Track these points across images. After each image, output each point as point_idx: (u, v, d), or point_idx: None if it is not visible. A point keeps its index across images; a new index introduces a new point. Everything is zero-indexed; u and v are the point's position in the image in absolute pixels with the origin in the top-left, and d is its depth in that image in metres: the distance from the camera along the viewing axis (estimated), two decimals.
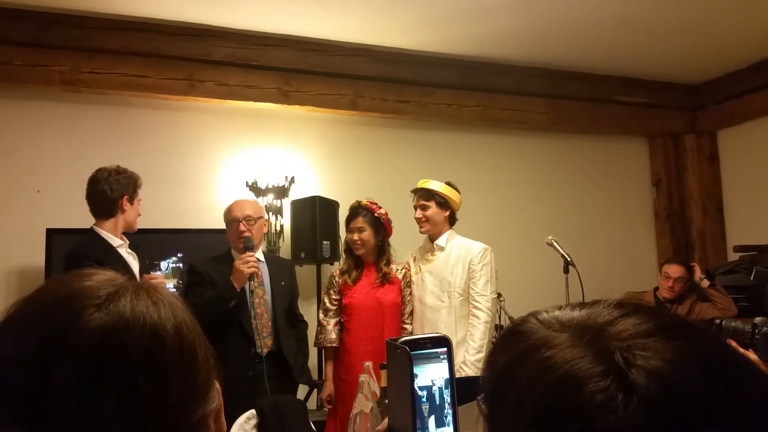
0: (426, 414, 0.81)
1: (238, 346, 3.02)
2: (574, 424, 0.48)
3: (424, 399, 0.82)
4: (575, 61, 5.26)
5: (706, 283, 4.46)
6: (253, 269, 3.03)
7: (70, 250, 2.93)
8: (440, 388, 0.82)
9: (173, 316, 0.63)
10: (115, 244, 2.98)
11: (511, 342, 0.60)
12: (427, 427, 0.81)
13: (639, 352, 0.50)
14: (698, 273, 4.50)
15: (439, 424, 0.82)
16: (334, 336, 3.37)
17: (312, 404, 3.95)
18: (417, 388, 0.82)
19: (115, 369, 0.57)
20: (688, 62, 5.36)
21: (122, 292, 0.63)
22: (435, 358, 0.83)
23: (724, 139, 6.00)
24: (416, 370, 0.81)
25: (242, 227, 3.11)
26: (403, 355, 0.82)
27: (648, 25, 4.57)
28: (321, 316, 3.45)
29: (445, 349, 0.85)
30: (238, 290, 3.02)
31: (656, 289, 4.56)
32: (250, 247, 3.08)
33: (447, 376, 0.83)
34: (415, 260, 3.54)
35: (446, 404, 0.83)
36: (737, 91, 5.63)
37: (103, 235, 2.97)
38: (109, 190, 3.00)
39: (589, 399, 0.49)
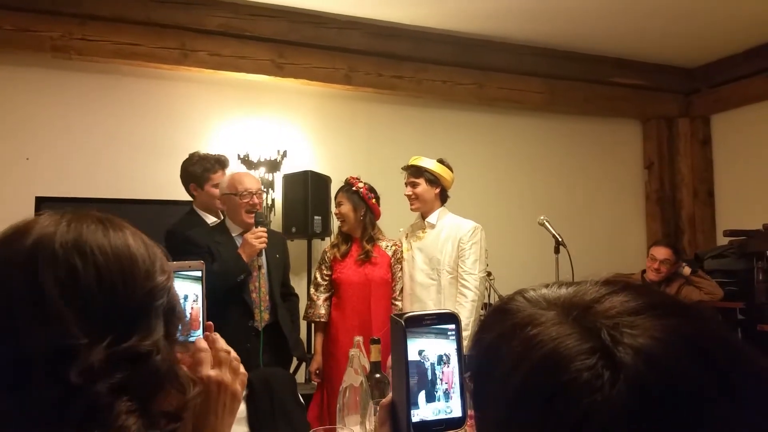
0: (418, 389, 0.81)
1: (238, 319, 3.00)
2: (560, 401, 0.48)
3: (420, 374, 0.81)
4: (572, 41, 5.23)
5: (687, 270, 4.48)
6: (264, 245, 3.01)
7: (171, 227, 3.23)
8: (432, 364, 0.82)
9: (92, 232, 0.79)
10: (209, 221, 3.29)
11: (498, 320, 0.59)
12: (417, 402, 0.80)
13: (626, 330, 0.50)
14: (686, 271, 4.51)
15: (429, 399, 0.81)
16: (323, 311, 3.39)
17: (300, 377, 3.97)
18: (421, 363, 0.82)
19: (47, 262, 0.75)
20: (685, 45, 5.35)
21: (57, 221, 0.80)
22: (442, 334, 0.82)
23: (718, 123, 6.01)
24: (420, 345, 0.81)
25: (256, 200, 3.07)
26: (399, 329, 0.81)
27: (647, 7, 4.53)
28: (312, 290, 3.46)
29: (453, 325, 0.84)
30: (248, 263, 2.99)
31: (644, 271, 4.59)
32: (262, 222, 3.07)
33: (442, 352, 0.83)
34: (407, 237, 3.54)
35: (438, 380, 0.82)
36: (732, 75, 5.63)
37: (200, 213, 3.31)
38: (184, 179, 3.40)
39: (575, 377, 0.48)
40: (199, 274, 1.12)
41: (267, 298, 3.11)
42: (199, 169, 3.34)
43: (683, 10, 4.58)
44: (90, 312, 0.74)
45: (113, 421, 0.72)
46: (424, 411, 0.81)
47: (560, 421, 0.48)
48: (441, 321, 0.82)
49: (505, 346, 0.55)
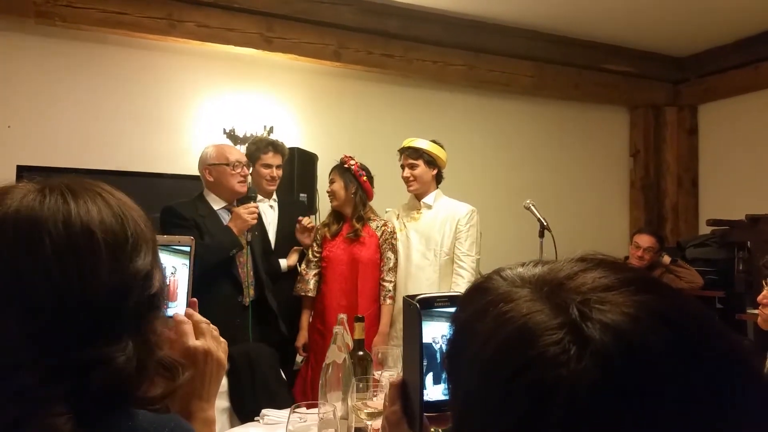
0: (426, 370, 0.81)
1: (227, 294, 2.97)
2: (526, 376, 0.48)
3: (429, 356, 0.81)
4: (564, 26, 5.21)
5: (667, 259, 4.57)
6: (255, 221, 2.99)
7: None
8: (441, 347, 0.81)
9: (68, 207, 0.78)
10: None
11: (474, 298, 0.59)
12: (424, 384, 0.81)
13: (597, 305, 0.49)
14: (666, 260, 4.59)
15: (436, 381, 0.81)
16: (311, 286, 3.40)
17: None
18: (430, 345, 0.81)
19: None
20: (676, 34, 5.35)
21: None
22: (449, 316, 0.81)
23: (705, 113, 6.04)
24: (430, 326, 0.80)
25: (245, 171, 3.06)
26: (414, 312, 0.80)
27: None
28: (302, 266, 3.47)
29: None
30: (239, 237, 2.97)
31: (626, 258, 4.63)
32: (253, 197, 3.05)
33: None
34: (398, 218, 3.55)
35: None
36: (721, 66, 5.65)
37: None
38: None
39: (542, 352, 0.48)
40: (187, 249, 1.11)
41: (252, 273, 3.09)
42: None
43: None
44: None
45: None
46: (432, 392, 0.80)
47: (525, 394, 0.47)
48: (453, 304, 0.80)
49: (478, 323, 0.55)
